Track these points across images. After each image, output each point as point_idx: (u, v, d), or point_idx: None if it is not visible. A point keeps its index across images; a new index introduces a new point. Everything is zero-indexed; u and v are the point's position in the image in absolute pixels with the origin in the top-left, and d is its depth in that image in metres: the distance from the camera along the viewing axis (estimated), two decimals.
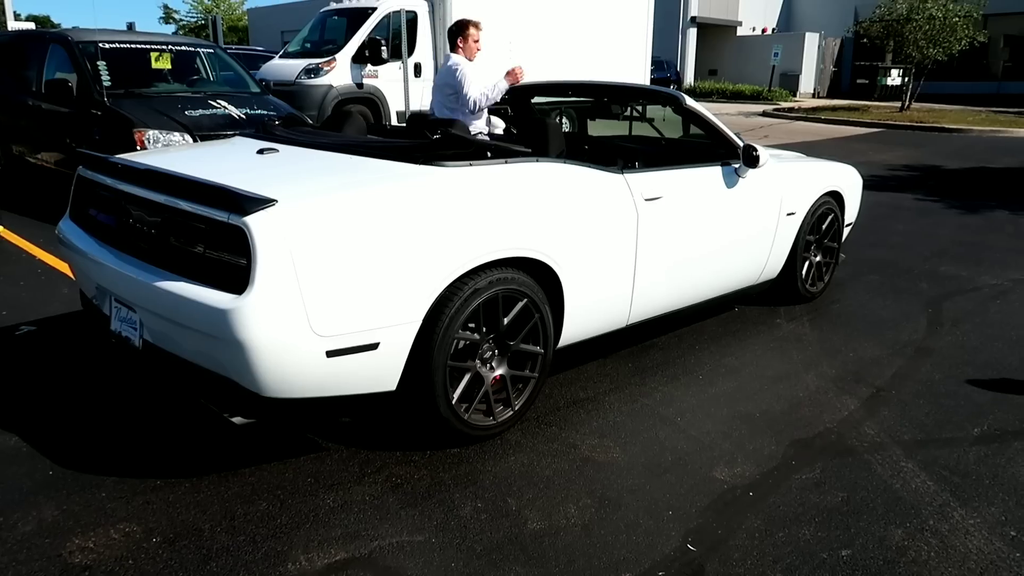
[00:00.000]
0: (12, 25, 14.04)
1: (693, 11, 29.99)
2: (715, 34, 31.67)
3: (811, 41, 30.15)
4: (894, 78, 27.70)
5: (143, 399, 3.34)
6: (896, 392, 3.66)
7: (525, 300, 3.05)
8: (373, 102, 10.89)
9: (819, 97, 30.38)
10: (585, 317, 3.42)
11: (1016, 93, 26.26)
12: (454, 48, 5.67)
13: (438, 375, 2.80)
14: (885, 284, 5.50)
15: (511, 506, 2.62)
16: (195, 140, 6.35)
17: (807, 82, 30.40)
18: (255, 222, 2.36)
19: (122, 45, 7.36)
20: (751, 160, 4.06)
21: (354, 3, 11.66)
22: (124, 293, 2.81)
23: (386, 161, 2.98)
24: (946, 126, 17.53)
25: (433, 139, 3.19)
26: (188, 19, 48.99)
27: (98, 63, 6.95)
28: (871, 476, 2.87)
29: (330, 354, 2.52)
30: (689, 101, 4.11)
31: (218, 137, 6.05)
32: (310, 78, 10.47)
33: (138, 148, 6.20)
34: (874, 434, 3.22)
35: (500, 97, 5.37)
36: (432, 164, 2.91)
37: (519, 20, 11.92)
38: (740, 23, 32.06)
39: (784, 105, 24.22)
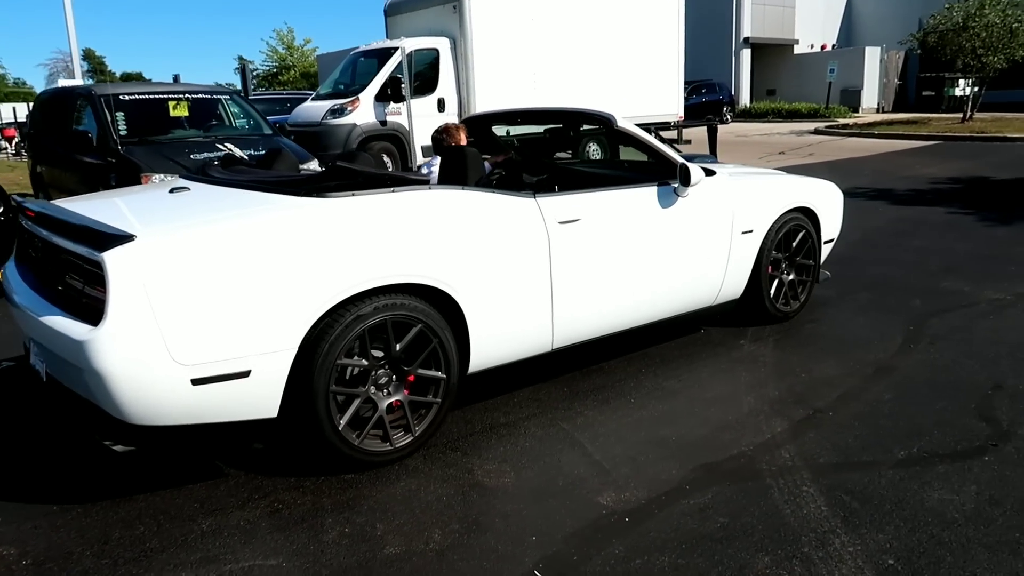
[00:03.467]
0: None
1: (746, 32, 29.60)
2: (771, 54, 31.13)
3: (872, 55, 29.25)
4: (961, 88, 26.54)
5: (66, 429, 3.50)
6: (834, 414, 3.49)
7: (420, 326, 3.08)
8: (397, 138, 11.18)
9: (884, 112, 29.39)
10: (496, 342, 3.41)
11: None
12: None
13: (320, 401, 2.85)
14: (874, 302, 5.27)
15: (377, 531, 2.63)
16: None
17: (870, 97, 29.45)
18: (110, 256, 2.49)
19: (141, 96, 7.83)
20: (685, 178, 3.99)
21: (381, 44, 12.06)
22: (27, 328, 2.98)
23: (274, 195, 3.08)
24: (1009, 136, 16.69)
25: (322, 171, 3.28)
26: (262, 68, 51.43)
27: (116, 114, 7.41)
28: (764, 501, 2.75)
29: (196, 382, 2.60)
30: (620, 122, 4.07)
31: None
32: (335, 118, 10.84)
33: None
34: (788, 458, 3.08)
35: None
36: (314, 196, 2.99)
37: (543, 51, 12.08)
38: (797, 41, 31.42)
39: (841, 122, 23.55)
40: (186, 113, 8.00)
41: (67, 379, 2.77)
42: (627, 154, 5.61)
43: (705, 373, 4.05)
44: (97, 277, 2.55)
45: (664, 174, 4.11)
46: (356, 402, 2.98)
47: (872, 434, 3.27)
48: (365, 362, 2.98)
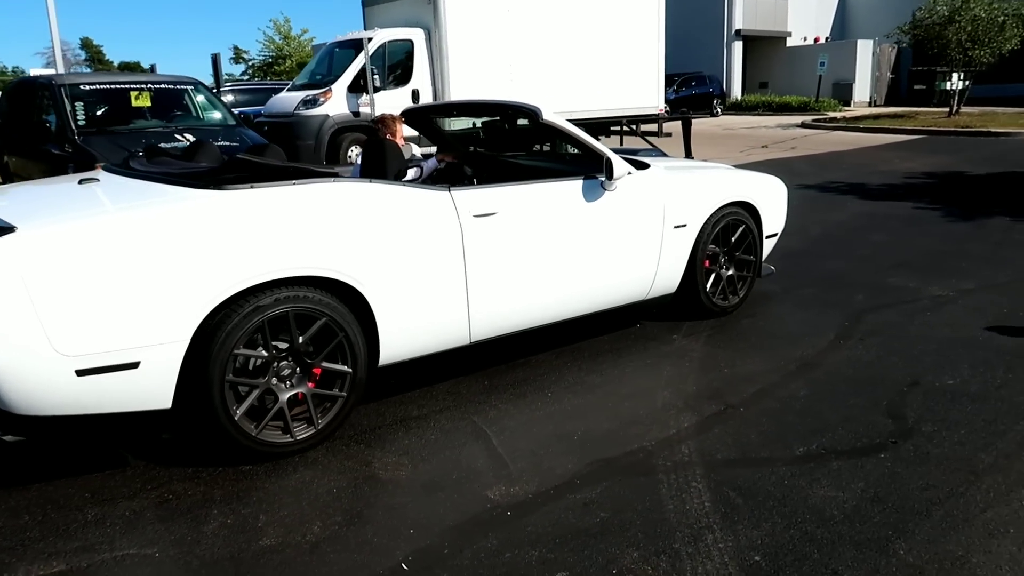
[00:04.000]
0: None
1: (738, 24, 29.48)
2: (764, 46, 31.03)
3: (864, 48, 29.15)
4: (953, 83, 26.46)
5: None
6: (745, 409, 3.50)
7: (324, 319, 3.08)
8: (371, 130, 11.14)
9: (876, 105, 29.32)
10: (408, 336, 3.40)
11: None
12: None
13: (215, 392, 2.85)
14: (817, 297, 5.27)
15: (259, 522, 2.64)
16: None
17: (862, 91, 29.38)
18: None
19: (103, 86, 7.82)
20: (609, 171, 3.98)
21: (357, 35, 12.02)
22: None
23: (175, 187, 3.08)
24: (993, 130, 16.65)
25: (223, 164, 3.28)
26: (258, 58, 51.14)
27: (76, 104, 7.40)
28: (649, 497, 2.76)
29: (81, 373, 2.61)
30: (546, 115, 4.04)
31: None
32: (307, 109, 10.82)
33: None
34: (687, 453, 3.09)
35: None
36: (211, 188, 2.99)
37: (520, 43, 12.03)
38: (789, 34, 31.30)
39: (831, 115, 23.48)
40: (148, 103, 8.01)
41: None
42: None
43: (630, 368, 4.05)
44: None
45: (594, 168, 4.10)
46: (254, 393, 2.98)
47: (776, 430, 3.27)
48: (265, 353, 2.99)
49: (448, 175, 4.92)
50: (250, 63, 51.68)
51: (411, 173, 4.83)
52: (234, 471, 3.00)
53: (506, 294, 3.71)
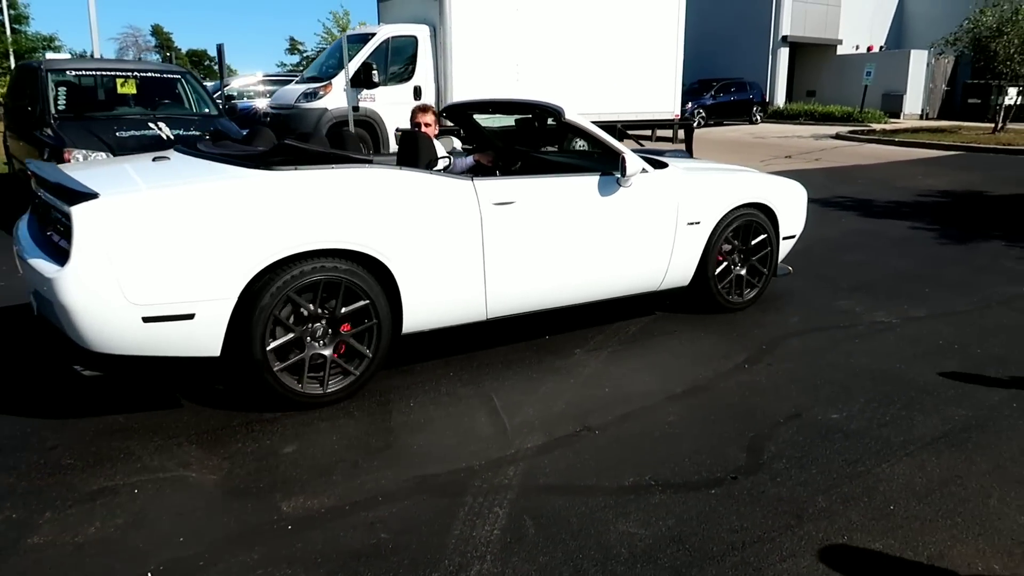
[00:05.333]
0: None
1: (785, 30, 28.69)
2: (813, 53, 30.16)
3: (917, 59, 28.05)
4: (1011, 97, 25.25)
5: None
6: (600, 433, 3.36)
7: (367, 302, 3.47)
8: (370, 124, 11.18)
9: (927, 118, 28.24)
10: (429, 308, 3.71)
11: None
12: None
13: (256, 337, 3.22)
14: (749, 317, 5.04)
15: (42, 519, 2.62)
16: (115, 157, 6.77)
17: (913, 103, 28.31)
18: (76, 210, 2.90)
19: (88, 72, 8.01)
20: (623, 168, 4.17)
21: (366, 30, 12.07)
22: (23, 268, 3.31)
23: (231, 167, 3.40)
24: None
25: (272, 148, 3.64)
26: (313, 50, 52.06)
27: (59, 90, 7.59)
28: (442, 520, 2.65)
29: (146, 320, 2.98)
30: (568, 115, 4.24)
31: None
32: (308, 101, 10.90)
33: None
34: (511, 476, 2.97)
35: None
36: (260, 168, 3.30)
37: (528, 43, 11.93)
38: (840, 41, 30.34)
39: (872, 127, 22.69)
40: (134, 91, 8.15)
41: (47, 312, 3.11)
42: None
43: (509, 381, 3.94)
44: (68, 226, 2.88)
45: (612, 165, 4.28)
46: (289, 335, 3.35)
47: (618, 457, 3.13)
48: (305, 313, 3.37)
49: (480, 168, 5.08)
50: (305, 54, 52.69)
51: (441, 164, 4.89)
52: (53, 465, 3.00)
53: (521, 276, 3.95)
